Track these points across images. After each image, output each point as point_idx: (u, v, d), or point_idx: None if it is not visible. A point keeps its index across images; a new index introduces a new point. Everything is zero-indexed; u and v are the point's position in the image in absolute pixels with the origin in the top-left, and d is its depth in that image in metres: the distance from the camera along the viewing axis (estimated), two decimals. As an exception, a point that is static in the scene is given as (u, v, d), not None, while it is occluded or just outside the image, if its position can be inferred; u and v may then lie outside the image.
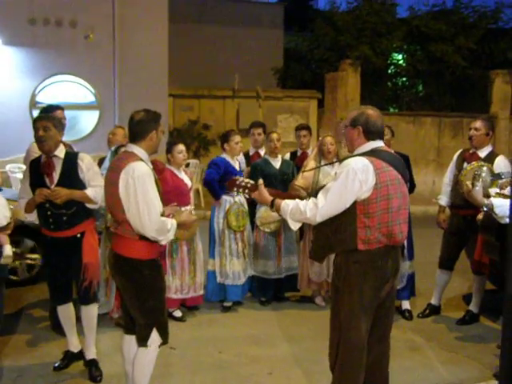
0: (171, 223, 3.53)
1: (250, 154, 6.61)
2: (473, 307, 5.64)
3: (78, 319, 4.47)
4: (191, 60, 16.42)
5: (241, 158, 6.36)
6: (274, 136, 6.08)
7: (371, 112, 3.40)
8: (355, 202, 3.23)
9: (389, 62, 15.77)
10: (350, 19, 15.40)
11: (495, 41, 15.68)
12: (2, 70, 10.80)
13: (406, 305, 5.75)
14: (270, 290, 6.09)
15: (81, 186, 4.25)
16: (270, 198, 3.51)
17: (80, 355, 4.49)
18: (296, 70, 16.76)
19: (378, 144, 3.39)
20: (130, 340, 3.68)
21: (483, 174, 4.33)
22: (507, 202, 3.76)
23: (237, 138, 5.86)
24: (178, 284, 5.50)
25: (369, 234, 3.23)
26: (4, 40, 10.71)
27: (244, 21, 17.95)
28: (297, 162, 6.39)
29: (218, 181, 5.73)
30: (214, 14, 17.78)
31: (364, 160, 3.25)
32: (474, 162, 5.09)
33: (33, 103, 11.09)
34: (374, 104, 13.67)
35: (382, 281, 3.33)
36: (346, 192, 3.21)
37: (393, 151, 5.64)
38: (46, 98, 11.08)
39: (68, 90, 11.28)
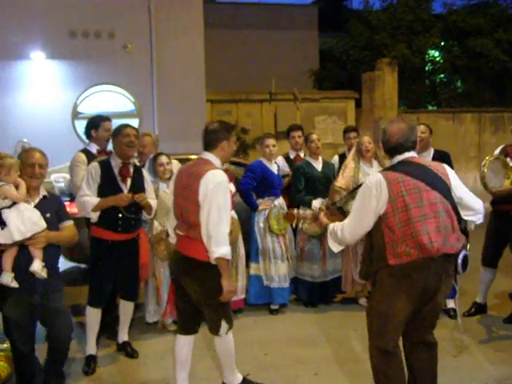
0: (227, 239, 3.63)
1: (291, 157, 6.64)
2: (520, 305, 5.56)
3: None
4: (227, 65, 16.54)
5: (279, 160, 6.40)
6: (314, 136, 6.12)
7: (389, 127, 3.46)
8: (380, 218, 3.28)
9: (426, 59, 15.59)
10: (384, 18, 15.31)
11: (535, 32, 15.31)
12: (46, 83, 11.11)
13: (450, 303, 5.69)
14: (315, 293, 6.09)
15: (145, 191, 4.66)
16: (327, 222, 3.72)
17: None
18: (332, 71, 16.75)
19: (403, 157, 3.40)
20: (184, 340, 3.89)
21: None
22: None
23: (268, 141, 5.86)
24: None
25: (396, 248, 3.24)
26: (47, 54, 11.01)
27: (278, 23, 17.98)
28: None
29: (255, 187, 5.79)
30: (248, 17, 17.87)
31: (378, 175, 3.33)
32: (485, 161, 5.15)
33: (75, 114, 11.36)
34: (412, 102, 13.62)
35: (420, 292, 3.29)
36: (365, 209, 3.31)
37: (432, 150, 5.67)
38: (88, 108, 11.34)
39: (108, 99, 11.51)
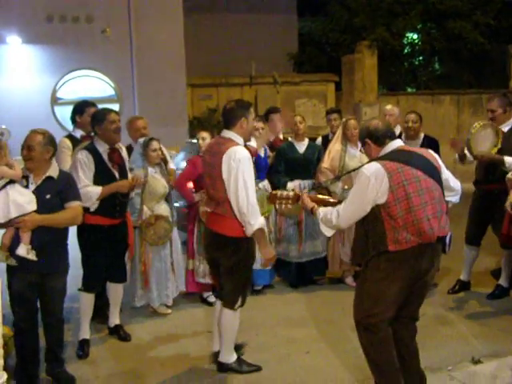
0: (258, 210, 3.85)
1: (270, 140, 6.55)
2: (502, 281, 5.67)
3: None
4: (207, 49, 16.42)
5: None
6: (298, 118, 6.14)
7: (370, 122, 3.58)
8: (379, 206, 3.32)
9: (405, 41, 15.68)
10: (364, 0, 15.32)
11: (512, 14, 15.50)
12: (22, 68, 10.97)
13: None
14: (295, 274, 6.16)
15: (128, 176, 4.71)
16: (311, 205, 3.69)
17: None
18: (311, 55, 16.76)
19: (394, 145, 3.46)
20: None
21: None
22: None
23: (257, 124, 5.71)
24: (207, 269, 5.59)
25: (397, 235, 3.30)
26: (23, 39, 10.86)
27: (257, 7, 17.89)
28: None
29: None
30: (227, 1, 17.76)
31: (376, 165, 3.34)
32: (475, 124, 5.22)
33: (54, 99, 11.26)
34: (392, 85, 13.69)
35: (412, 277, 3.38)
36: (362, 197, 3.33)
37: (422, 136, 5.75)
38: (67, 93, 11.26)
39: (88, 84, 11.44)
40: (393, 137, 3.51)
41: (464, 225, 5.85)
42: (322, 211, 3.58)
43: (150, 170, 5.21)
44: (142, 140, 5.24)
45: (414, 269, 3.36)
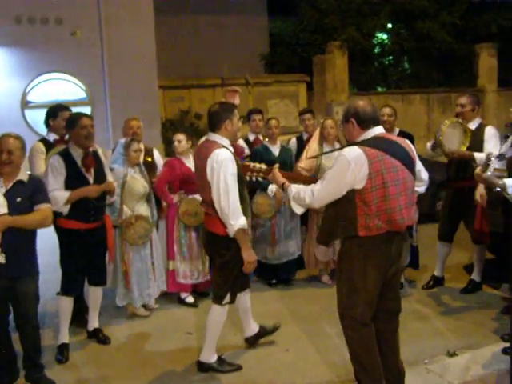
0: (240, 211, 3.91)
1: (251, 139, 6.67)
2: (475, 276, 5.81)
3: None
4: (178, 51, 16.40)
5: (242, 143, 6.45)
6: (273, 123, 6.18)
7: (359, 102, 3.53)
8: (354, 191, 3.34)
9: (374, 41, 15.87)
10: (333, 1, 15.45)
11: (478, 14, 15.81)
12: (-10, 71, 10.79)
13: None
14: (272, 275, 6.22)
15: (105, 179, 4.70)
16: (282, 181, 3.70)
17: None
18: (283, 55, 16.81)
19: (376, 131, 3.47)
20: (244, 295, 4.43)
21: (492, 159, 4.42)
22: None
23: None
24: (188, 269, 5.63)
25: (368, 222, 3.34)
26: (-10, 41, 10.68)
27: (227, 8, 17.91)
28: (304, 145, 6.46)
29: None
30: (197, 3, 17.73)
31: (357, 150, 3.34)
32: (446, 121, 5.37)
33: (24, 103, 11.10)
34: (363, 84, 13.85)
35: (385, 263, 3.45)
36: (340, 181, 3.34)
37: (397, 130, 5.83)
38: (38, 96, 11.08)
39: (59, 87, 11.25)
40: (376, 123, 3.51)
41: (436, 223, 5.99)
42: (294, 188, 3.58)
43: (130, 170, 5.24)
44: (122, 140, 5.33)
45: (385, 255, 3.42)
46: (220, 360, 4.28)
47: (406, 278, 5.96)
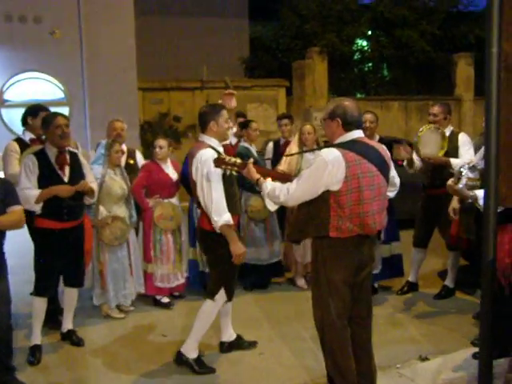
0: (224, 207, 4.02)
1: (233, 143, 6.63)
2: (448, 282, 5.89)
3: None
4: (158, 53, 16.35)
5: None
6: (254, 126, 6.22)
7: (348, 103, 3.49)
8: (329, 192, 3.34)
9: (354, 48, 16.02)
10: (314, 7, 15.56)
11: (456, 25, 16.07)
12: (-34, 69, 10.66)
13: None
14: (260, 276, 6.23)
15: (83, 179, 4.66)
16: (257, 176, 3.68)
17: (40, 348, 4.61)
18: (263, 60, 16.87)
19: (356, 135, 3.46)
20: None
21: (464, 171, 4.49)
22: None
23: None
24: (165, 273, 5.64)
25: (340, 223, 3.34)
26: (-33, 38, 10.56)
27: (208, 11, 17.91)
28: (281, 150, 6.53)
29: None
30: (179, 5, 17.71)
31: (336, 152, 3.33)
32: (423, 127, 5.54)
33: (0, 101, 10.97)
34: (342, 90, 13.97)
35: (356, 264, 3.47)
36: (316, 181, 3.33)
37: (378, 137, 5.88)
38: (15, 95, 10.97)
39: (36, 86, 11.16)
40: (359, 126, 3.52)
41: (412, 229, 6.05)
42: (269, 185, 3.58)
43: (109, 171, 5.24)
44: (104, 141, 5.33)
45: (356, 258, 3.45)
46: (198, 359, 4.29)
47: (380, 285, 6.02)
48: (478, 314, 5.05)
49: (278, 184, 3.57)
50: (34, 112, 5.20)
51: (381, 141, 5.83)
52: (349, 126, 3.44)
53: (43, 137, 4.96)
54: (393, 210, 5.52)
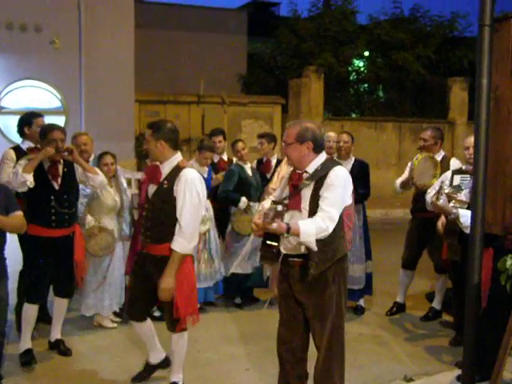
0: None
1: (215, 160, 6.52)
2: (435, 304, 5.93)
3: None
4: (156, 65, 16.49)
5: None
6: (240, 146, 6.19)
7: (314, 126, 3.48)
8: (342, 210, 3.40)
9: (350, 68, 16.20)
10: (312, 27, 15.77)
11: (452, 49, 16.33)
12: (-35, 75, 10.71)
13: (360, 302, 6.02)
14: (237, 291, 6.24)
15: (77, 186, 4.73)
16: (285, 226, 3.26)
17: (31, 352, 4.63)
18: (260, 76, 17.03)
19: (325, 156, 3.52)
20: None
21: (444, 187, 4.58)
22: (470, 212, 3.95)
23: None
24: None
25: (348, 237, 3.48)
26: (-32, 44, 10.62)
27: (208, 26, 18.08)
28: (261, 169, 6.52)
29: None
30: (178, 19, 17.87)
31: (343, 168, 3.46)
32: (418, 156, 5.56)
33: (-2, 108, 11.02)
34: (337, 110, 14.09)
35: None
36: (342, 197, 3.37)
37: (353, 158, 5.92)
38: (12, 103, 11.04)
39: (34, 95, 11.23)
40: (323, 148, 3.57)
41: (396, 250, 6.10)
42: (308, 223, 3.25)
43: None
44: (93, 156, 5.37)
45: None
46: None
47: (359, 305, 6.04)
48: (453, 339, 5.11)
49: (315, 219, 3.28)
50: (28, 121, 5.17)
51: (357, 161, 5.88)
52: (318, 148, 3.46)
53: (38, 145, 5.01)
54: (367, 229, 5.85)
